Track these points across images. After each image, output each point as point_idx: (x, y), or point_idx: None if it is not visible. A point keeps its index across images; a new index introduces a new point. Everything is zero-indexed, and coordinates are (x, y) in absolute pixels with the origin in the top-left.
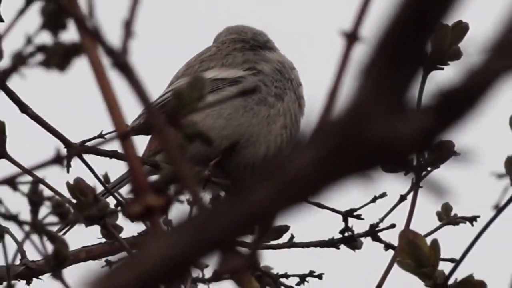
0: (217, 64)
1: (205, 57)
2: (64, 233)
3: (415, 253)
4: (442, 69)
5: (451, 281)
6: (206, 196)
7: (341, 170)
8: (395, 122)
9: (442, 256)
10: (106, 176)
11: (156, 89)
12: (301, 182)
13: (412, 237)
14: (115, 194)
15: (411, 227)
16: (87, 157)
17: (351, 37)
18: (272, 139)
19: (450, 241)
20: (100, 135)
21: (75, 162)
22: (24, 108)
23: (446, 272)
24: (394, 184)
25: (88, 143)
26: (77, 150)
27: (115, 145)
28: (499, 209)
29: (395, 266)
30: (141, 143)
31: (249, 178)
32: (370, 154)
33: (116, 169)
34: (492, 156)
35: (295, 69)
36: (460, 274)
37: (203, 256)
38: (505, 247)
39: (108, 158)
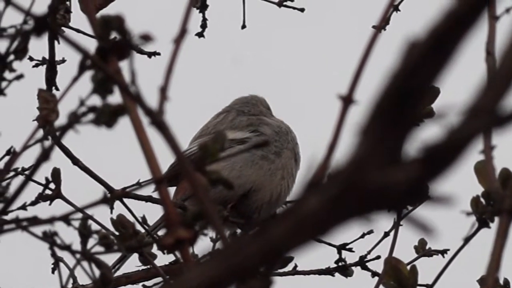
0: (226, 127)
1: (217, 122)
2: (118, 268)
3: (397, 276)
4: (418, 125)
5: None
6: (225, 233)
7: (344, 212)
8: (389, 171)
9: (418, 282)
10: (144, 218)
11: (186, 142)
12: (311, 222)
13: (395, 263)
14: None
15: None
16: (127, 201)
17: (347, 100)
18: (274, 188)
19: (426, 270)
20: (138, 183)
21: (117, 204)
22: (75, 161)
23: None
24: (379, 221)
25: (128, 189)
26: (118, 194)
27: (151, 191)
28: (464, 241)
29: None
30: (171, 189)
31: (268, 218)
32: (368, 198)
33: (151, 211)
34: (463, 197)
35: (291, 131)
36: None
37: (229, 282)
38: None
39: (144, 202)
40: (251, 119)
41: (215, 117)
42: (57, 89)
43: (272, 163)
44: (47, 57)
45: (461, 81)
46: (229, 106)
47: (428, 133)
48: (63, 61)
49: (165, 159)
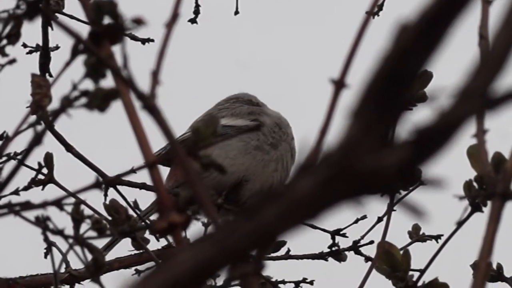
0: (228, 113)
1: (221, 107)
2: (108, 251)
3: (390, 260)
4: (411, 109)
5: (419, 284)
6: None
7: (336, 195)
8: (380, 154)
9: (411, 267)
10: (135, 203)
11: (178, 127)
12: (303, 204)
13: (388, 247)
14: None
15: None
16: (120, 187)
17: (339, 84)
18: (265, 179)
19: (419, 256)
20: (132, 170)
21: (110, 191)
22: (69, 148)
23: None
24: (372, 205)
25: (122, 176)
26: (112, 181)
27: (145, 177)
28: (457, 226)
29: (372, 274)
30: (164, 172)
31: (260, 200)
32: (360, 181)
33: (145, 197)
34: (455, 181)
35: (289, 125)
36: (426, 280)
37: (221, 265)
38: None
39: (138, 189)
40: (252, 108)
41: (216, 105)
42: (50, 75)
43: (266, 154)
44: (40, 44)
45: (453, 64)
46: (226, 98)
47: (419, 116)
48: (57, 48)
49: (158, 143)
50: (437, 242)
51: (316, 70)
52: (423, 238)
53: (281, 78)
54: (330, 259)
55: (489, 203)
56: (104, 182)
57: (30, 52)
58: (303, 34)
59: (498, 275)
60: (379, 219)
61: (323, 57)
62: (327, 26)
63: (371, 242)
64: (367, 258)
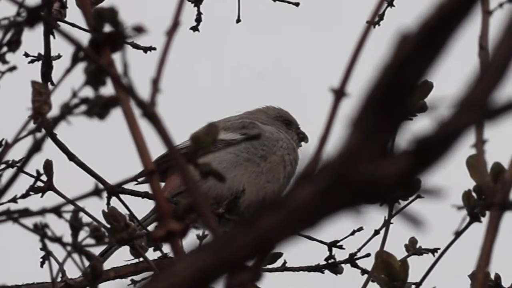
0: (219, 127)
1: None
2: (105, 258)
3: (388, 270)
4: (411, 119)
5: None
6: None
7: (335, 204)
8: (380, 164)
9: (408, 280)
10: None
11: (178, 134)
12: (301, 213)
13: (386, 257)
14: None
15: None
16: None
17: (339, 93)
18: (258, 190)
19: (416, 269)
20: (133, 178)
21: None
22: (71, 157)
23: None
24: (370, 216)
25: (124, 185)
26: (115, 190)
27: (147, 186)
28: (455, 236)
29: (369, 286)
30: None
31: (258, 210)
32: (359, 191)
33: (148, 206)
34: (454, 191)
35: (282, 139)
36: None
37: (219, 274)
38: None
39: (141, 198)
40: (244, 122)
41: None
42: (53, 84)
43: (257, 166)
44: (42, 53)
45: (453, 74)
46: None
47: (419, 126)
48: (58, 56)
49: (158, 151)
50: (434, 256)
51: (318, 78)
52: (420, 251)
53: (287, 87)
54: (326, 271)
55: (487, 213)
56: (104, 189)
57: (32, 62)
58: (306, 41)
59: (496, 285)
60: (376, 232)
61: (325, 65)
62: (332, 34)
63: (368, 255)
64: (364, 271)
